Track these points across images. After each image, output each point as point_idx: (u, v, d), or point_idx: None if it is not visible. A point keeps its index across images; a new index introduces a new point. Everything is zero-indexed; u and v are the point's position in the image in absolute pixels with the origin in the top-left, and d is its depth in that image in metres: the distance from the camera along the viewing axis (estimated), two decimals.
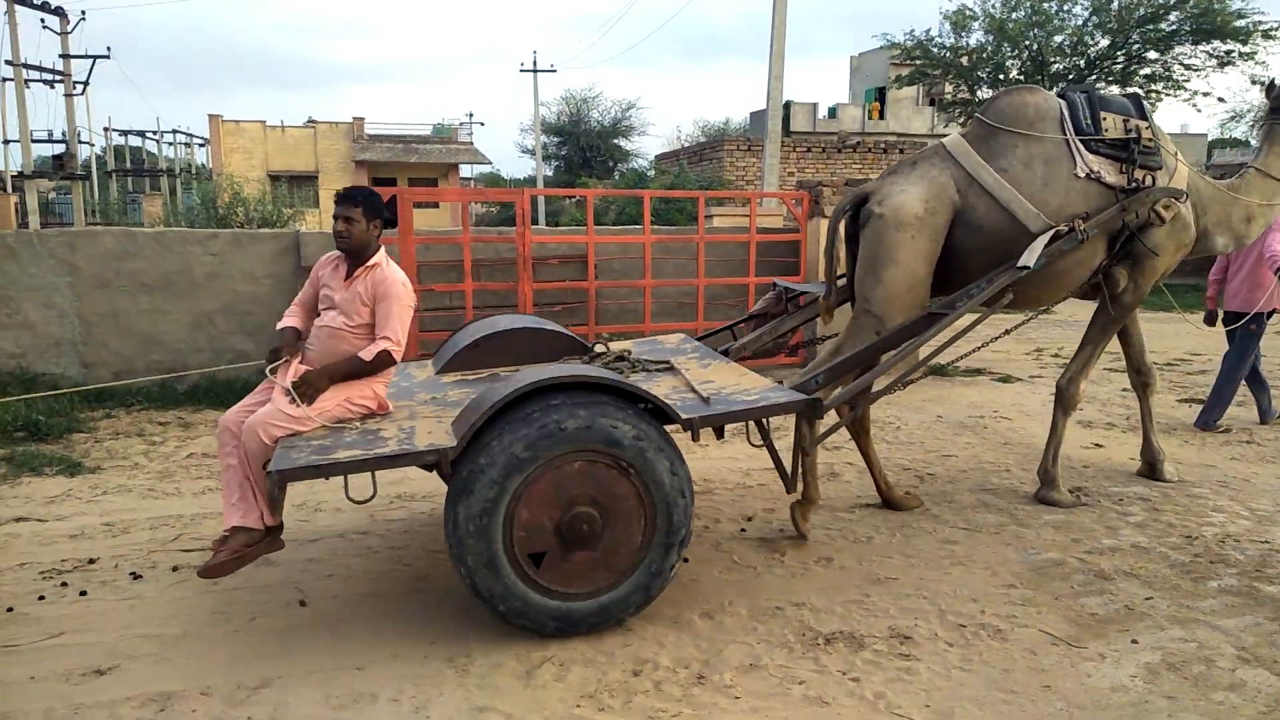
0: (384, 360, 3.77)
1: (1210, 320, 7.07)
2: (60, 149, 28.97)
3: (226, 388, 7.65)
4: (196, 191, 23.32)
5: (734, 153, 24.66)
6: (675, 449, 3.51)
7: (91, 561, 4.27)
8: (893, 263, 4.53)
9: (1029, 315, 5.11)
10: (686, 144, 37.03)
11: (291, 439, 3.47)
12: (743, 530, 4.70)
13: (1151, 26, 20.17)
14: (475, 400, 3.48)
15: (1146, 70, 21.08)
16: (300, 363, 3.76)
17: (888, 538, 4.59)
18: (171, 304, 7.76)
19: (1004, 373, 8.88)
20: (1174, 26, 20.15)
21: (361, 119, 35.93)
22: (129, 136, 43.94)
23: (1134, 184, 4.71)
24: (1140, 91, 18.02)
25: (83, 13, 30.41)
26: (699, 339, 5.27)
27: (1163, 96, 20.66)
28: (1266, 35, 19.70)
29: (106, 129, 43.35)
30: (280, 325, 3.97)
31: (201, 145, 44.41)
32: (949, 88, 24.62)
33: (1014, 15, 20.94)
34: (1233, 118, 26.78)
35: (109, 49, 29.86)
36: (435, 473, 3.45)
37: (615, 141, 40.40)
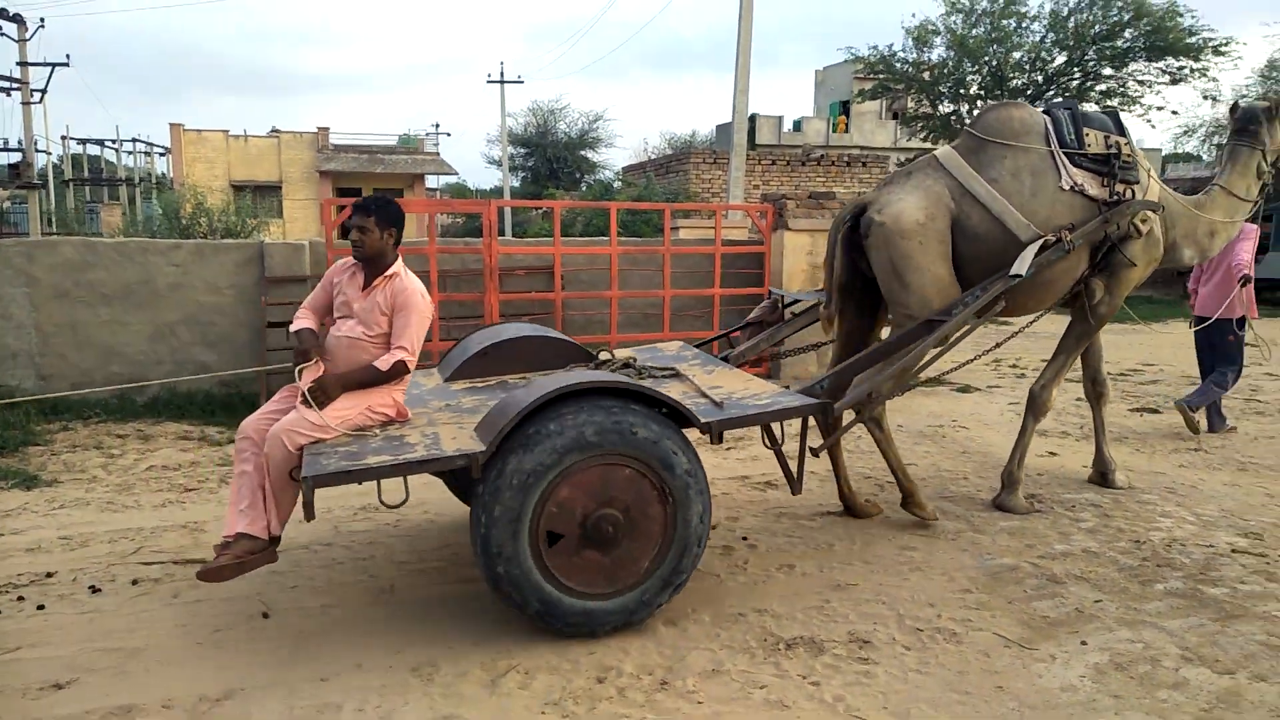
0: (398, 370, 3.81)
1: (1199, 324, 7.35)
2: (16, 157, 28.49)
3: (187, 399, 7.58)
4: (158, 202, 22.97)
5: (700, 165, 24.82)
6: (708, 494, 3.66)
7: (49, 575, 4.21)
8: (913, 269, 4.68)
9: (1018, 328, 5.21)
10: (653, 156, 37.16)
11: (317, 446, 3.51)
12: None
13: (1107, 43, 20.75)
14: (500, 405, 3.52)
15: (1102, 86, 21.68)
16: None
17: (848, 545, 4.67)
18: (132, 315, 7.67)
19: (963, 383, 9.04)
20: (1128, 44, 20.76)
21: (326, 129, 35.53)
22: (87, 145, 43.29)
23: (1115, 197, 4.88)
24: (1096, 106, 18.46)
25: (41, 20, 30.14)
26: (697, 346, 5.33)
27: (1118, 111, 21.19)
28: (1217, 51, 20.34)
29: (64, 137, 42.70)
30: (296, 327, 3.93)
31: (162, 155, 43.85)
32: (911, 102, 25.08)
33: (974, 31, 21.44)
34: (1185, 132, 27.48)
35: (68, 56, 29.23)
36: (441, 479, 3.49)
37: (582, 153, 40.43)
